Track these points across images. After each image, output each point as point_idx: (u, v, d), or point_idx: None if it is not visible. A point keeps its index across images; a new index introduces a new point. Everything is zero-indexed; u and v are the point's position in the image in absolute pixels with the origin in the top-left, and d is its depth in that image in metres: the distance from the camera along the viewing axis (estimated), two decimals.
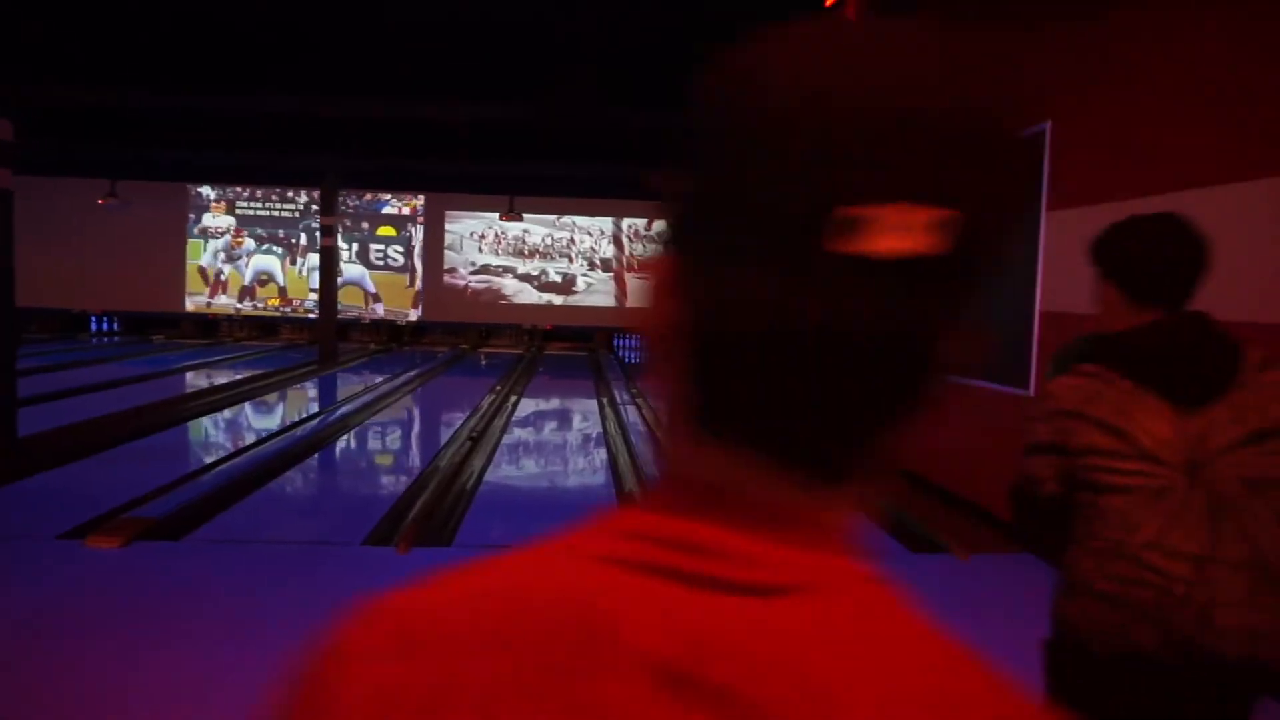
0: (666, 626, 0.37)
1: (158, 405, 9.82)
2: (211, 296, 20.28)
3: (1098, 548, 1.66)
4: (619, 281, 21.83)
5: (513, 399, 11.54)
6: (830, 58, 0.37)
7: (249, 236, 20.60)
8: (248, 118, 11.46)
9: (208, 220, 20.35)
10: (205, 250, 20.30)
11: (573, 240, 21.71)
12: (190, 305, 20.27)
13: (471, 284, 21.30)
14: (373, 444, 8.93)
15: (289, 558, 4.69)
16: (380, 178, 19.35)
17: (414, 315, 21.22)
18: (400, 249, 21.39)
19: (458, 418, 9.92)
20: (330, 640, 0.42)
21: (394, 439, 9.34)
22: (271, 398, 11.54)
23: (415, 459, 7.72)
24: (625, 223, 21.75)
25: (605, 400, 11.72)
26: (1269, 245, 3.48)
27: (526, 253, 21.59)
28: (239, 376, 12.89)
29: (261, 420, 10.07)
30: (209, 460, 7.34)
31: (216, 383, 12.36)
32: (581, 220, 21.64)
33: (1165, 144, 4.14)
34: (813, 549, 0.40)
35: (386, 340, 20.73)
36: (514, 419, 10.09)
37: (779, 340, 0.37)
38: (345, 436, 8.86)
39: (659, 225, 0.45)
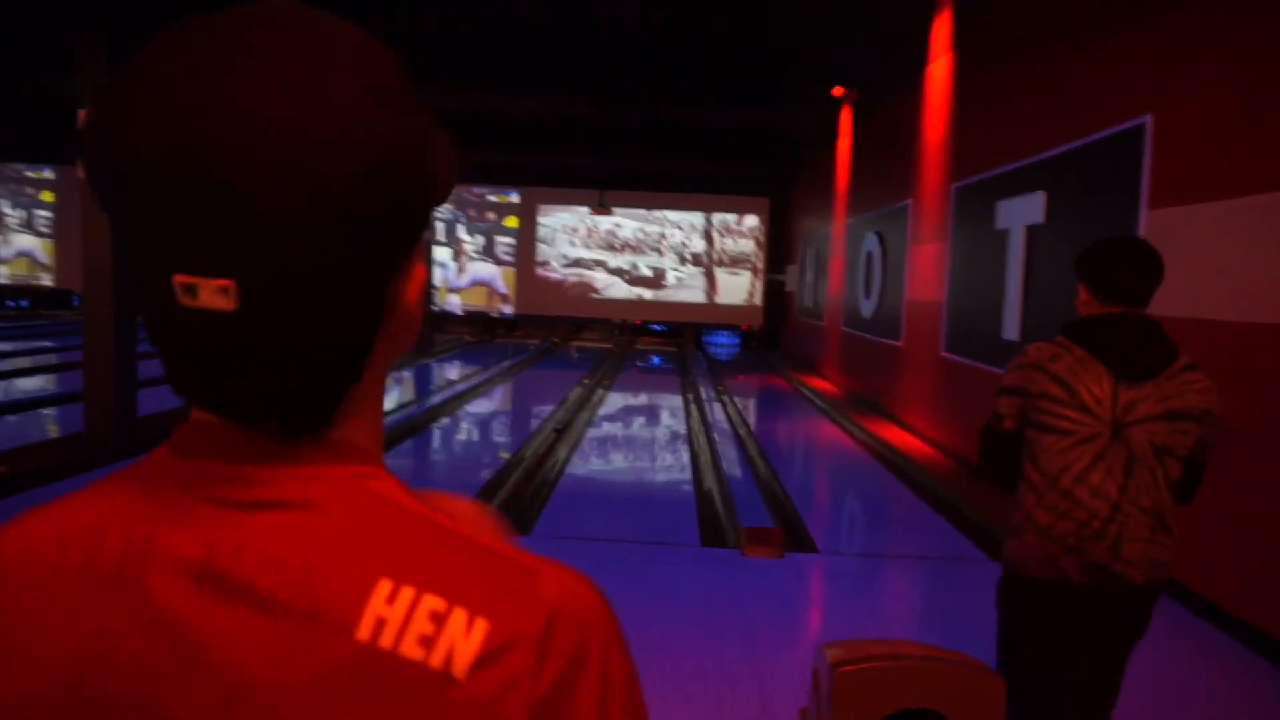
0: (201, 538, 0.49)
1: None
2: None
3: (1037, 482, 2.15)
4: (709, 276, 21.77)
5: (599, 392, 11.68)
6: (138, 109, 0.44)
7: None
8: None
9: None
10: None
11: (663, 235, 21.76)
12: None
13: (565, 278, 21.61)
14: (462, 433, 9.18)
15: None
16: (476, 171, 19.79)
17: (507, 309, 21.68)
18: (511, 241, 21.87)
19: (545, 410, 10.10)
20: None
21: (482, 429, 9.58)
22: None
23: (501, 448, 7.91)
24: (715, 217, 21.67)
25: (690, 396, 11.73)
26: None
27: (618, 246, 21.76)
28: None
29: None
30: None
31: None
32: (672, 215, 21.67)
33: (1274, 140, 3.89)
34: (301, 473, 0.50)
35: (480, 332, 21.24)
36: (599, 412, 10.21)
37: (167, 347, 0.49)
38: (436, 425, 9.14)
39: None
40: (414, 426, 8.78)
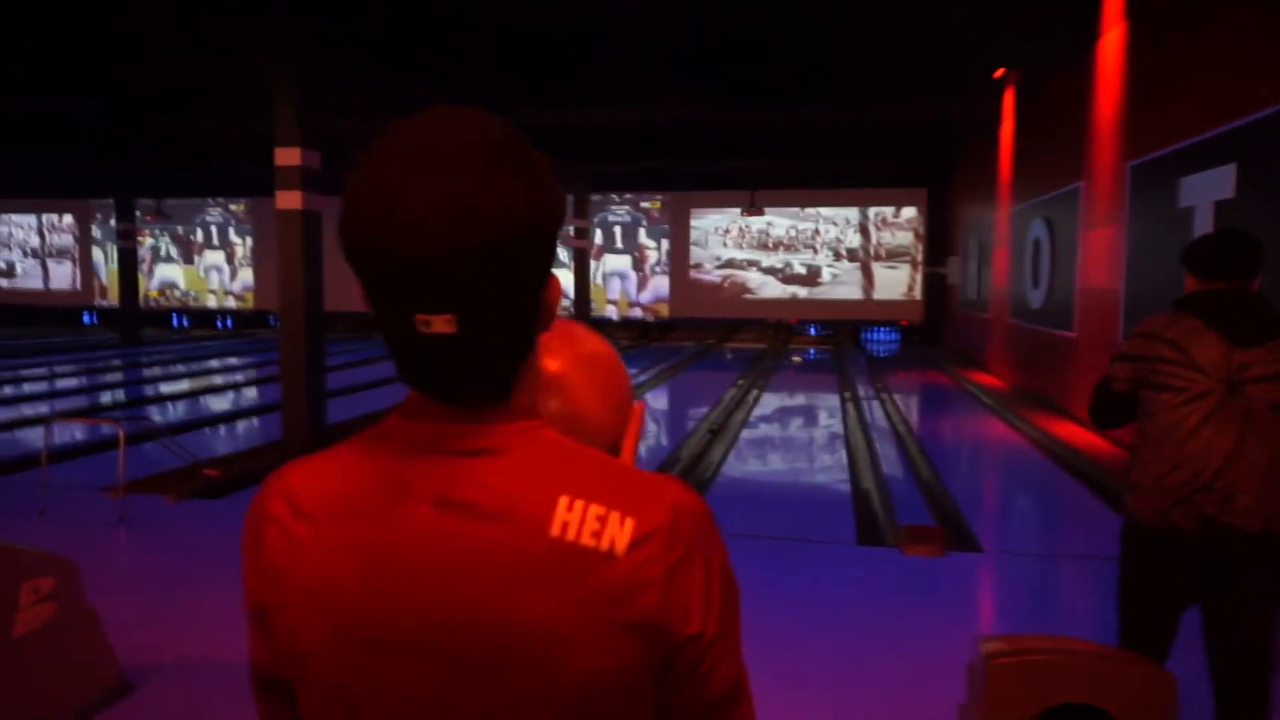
0: (437, 475, 0.72)
1: None
2: None
3: (1151, 437, 2.30)
4: (865, 272, 21.24)
5: (754, 393, 11.67)
6: (378, 212, 0.67)
7: None
8: None
9: None
10: None
11: (817, 231, 21.41)
12: None
13: (719, 279, 21.68)
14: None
15: None
16: (627, 180, 20.20)
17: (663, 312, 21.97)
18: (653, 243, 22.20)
19: (700, 411, 10.21)
20: (261, 492, 0.80)
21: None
22: None
23: (659, 449, 8.07)
24: (872, 211, 21.11)
25: (847, 395, 11.52)
26: None
27: (770, 245, 21.60)
28: None
29: None
30: None
31: None
32: (826, 211, 21.29)
33: None
34: (497, 429, 0.73)
35: (637, 336, 21.63)
36: (754, 413, 10.22)
37: (406, 356, 0.72)
38: None
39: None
40: None
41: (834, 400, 11.35)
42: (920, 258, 20.87)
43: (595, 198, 20.72)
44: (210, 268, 24.54)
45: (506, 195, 0.68)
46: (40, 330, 23.01)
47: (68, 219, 24.99)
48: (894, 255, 21.11)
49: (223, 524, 5.53)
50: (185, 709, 3.14)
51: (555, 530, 0.69)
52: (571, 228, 19.22)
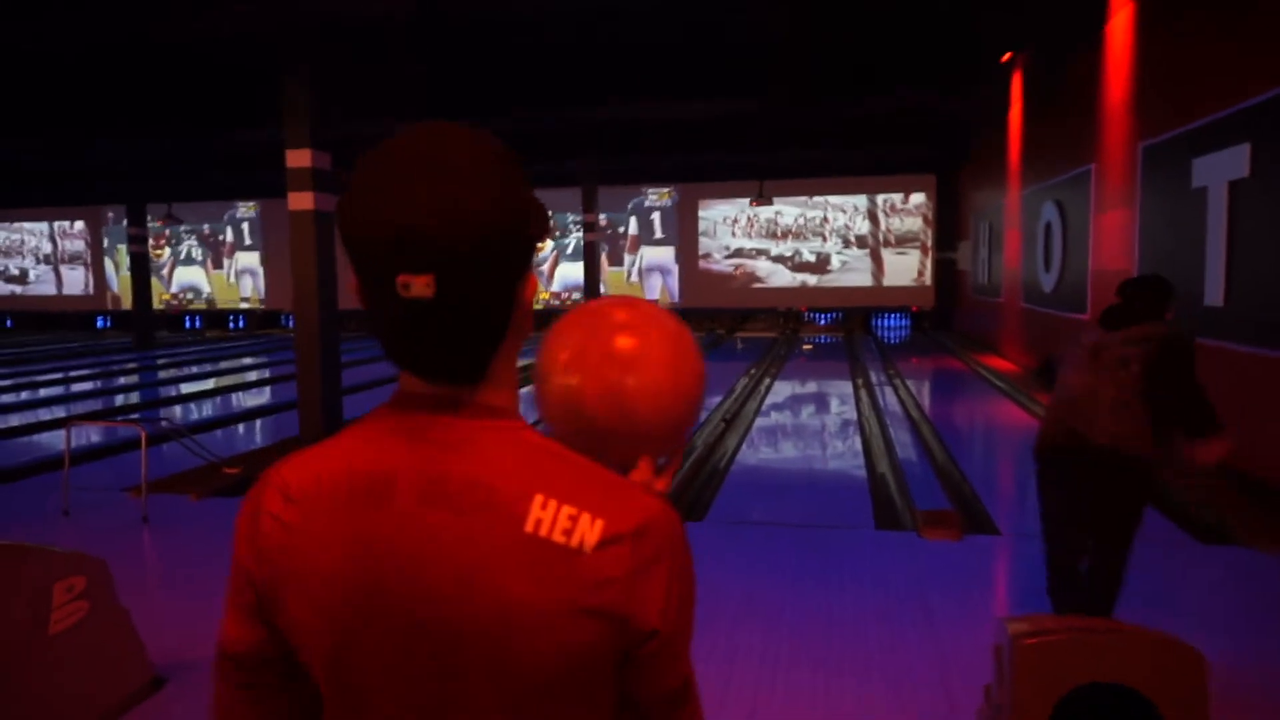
0: (421, 467, 0.78)
1: None
2: None
3: (1057, 389, 3.36)
4: (875, 258, 21.18)
5: (766, 381, 11.67)
6: (369, 196, 0.75)
7: None
8: (505, 130, 12.48)
9: None
10: None
11: (826, 218, 21.37)
12: None
13: (727, 269, 21.66)
14: None
15: None
16: (634, 174, 20.17)
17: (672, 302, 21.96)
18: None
19: (712, 400, 10.22)
20: (258, 484, 0.85)
21: None
22: None
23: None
24: (880, 198, 21.06)
25: (860, 381, 11.51)
26: None
27: (779, 234, 21.57)
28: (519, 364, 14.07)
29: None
30: None
31: None
32: (835, 198, 21.24)
33: None
34: (479, 425, 0.80)
35: None
36: (767, 401, 10.22)
37: (388, 327, 0.77)
38: None
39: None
40: None
41: (846, 387, 11.34)
42: (930, 243, 20.79)
43: (614, 187, 20.70)
44: (244, 271, 24.43)
45: (489, 190, 0.75)
46: (55, 335, 23.19)
47: (79, 225, 25.14)
48: (903, 241, 21.04)
49: None
50: None
51: (529, 526, 0.75)
52: (579, 221, 19.22)
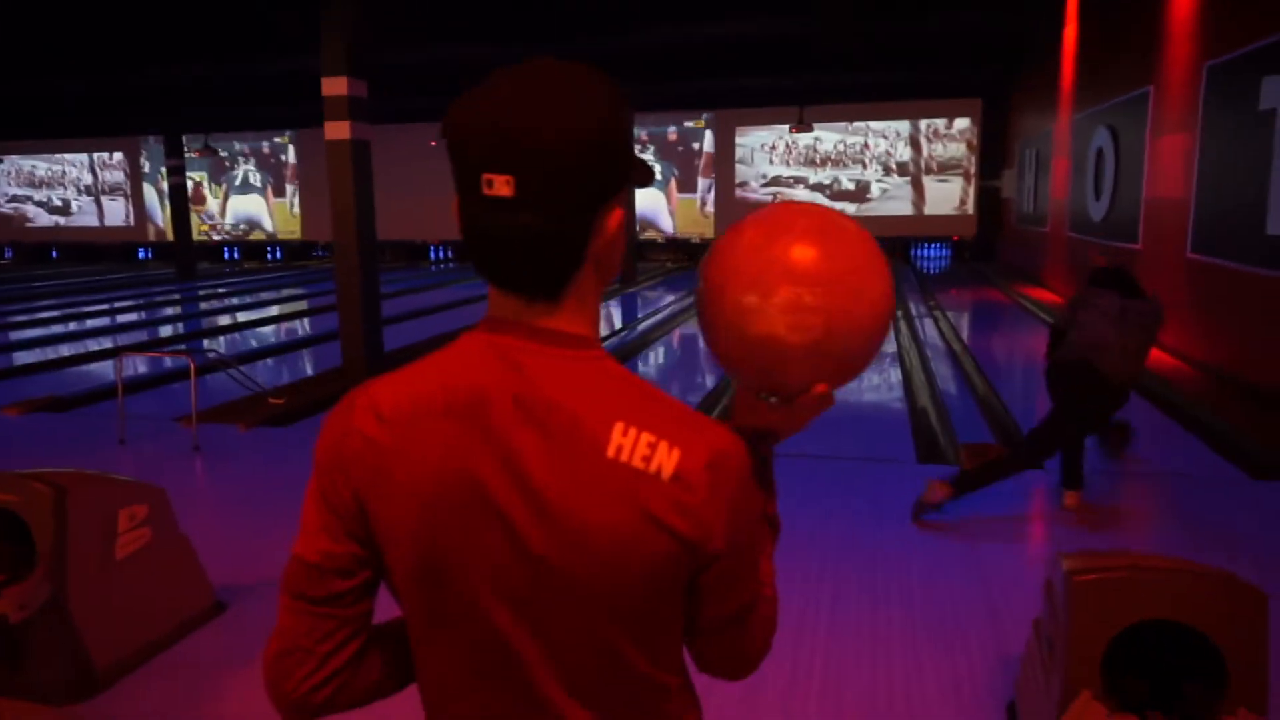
0: (513, 386, 0.82)
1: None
2: None
3: (1082, 331, 4.16)
4: (916, 186, 20.69)
5: None
6: (471, 104, 0.80)
7: None
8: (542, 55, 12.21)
9: None
10: None
11: (866, 145, 20.84)
12: None
13: (764, 197, 21.30)
14: (670, 358, 9.45)
15: None
16: (673, 98, 19.73)
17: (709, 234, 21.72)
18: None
19: None
20: (342, 406, 0.90)
21: (689, 354, 9.79)
22: None
23: (710, 373, 8.07)
24: (923, 123, 20.45)
25: (899, 313, 11.36)
26: None
27: (818, 161, 21.12)
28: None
29: None
30: None
31: None
32: (876, 124, 20.67)
33: None
34: (564, 354, 0.83)
35: (684, 259, 21.46)
36: None
37: (473, 234, 0.82)
38: (645, 351, 9.46)
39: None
40: (625, 354, 9.14)
41: None
42: (974, 170, 20.24)
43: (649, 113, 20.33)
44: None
45: (581, 113, 0.79)
46: (98, 267, 23.58)
47: (118, 156, 25.31)
48: (946, 168, 20.50)
49: (292, 450, 5.70)
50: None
51: (611, 452, 0.79)
52: None
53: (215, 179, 24.88)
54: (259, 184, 24.47)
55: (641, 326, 11.12)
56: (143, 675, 2.95)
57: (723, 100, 20.28)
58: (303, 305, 14.26)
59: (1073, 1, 12.21)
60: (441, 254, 23.45)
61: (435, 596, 0.85)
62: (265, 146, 24.20)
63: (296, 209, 24.39)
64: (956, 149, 20.38)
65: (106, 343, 10.36)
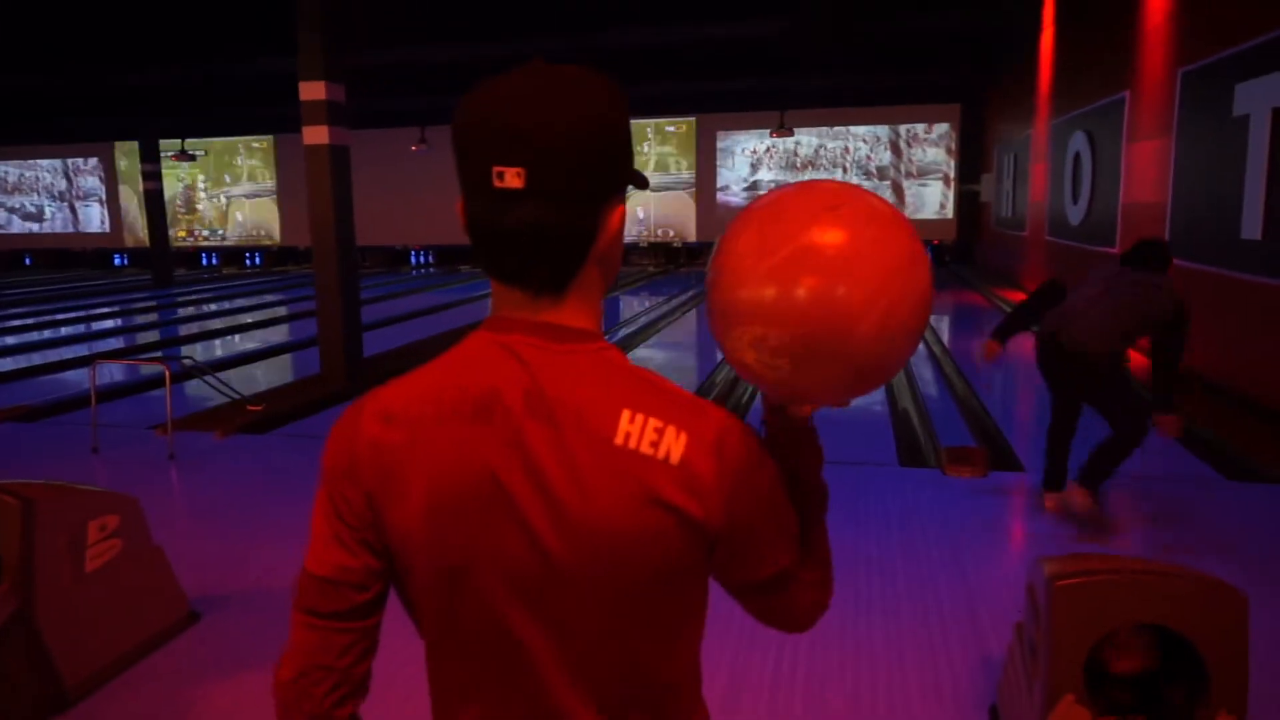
0: (521, 385, 0.82)
1: (469, 330, 11.04)
2: None
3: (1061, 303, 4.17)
4: (896, 190, 20.81)
5: None
6: (480, 100, 0.81)
7: None
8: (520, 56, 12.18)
9: None
10: None
11: (847, 149, 20.94)
12: None
13: (746, 201, 21.35)
14: (652, 364, 9.43)
15: None
16: (650, 103, 19.76)
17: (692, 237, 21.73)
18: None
19: None
20: (349, 414, 0.89)
21: (671, 358, 9.78)
22: None
23: (692, 378, 8.06)
24: (903, 128, 20.58)
25: None
26: None
27: (799, 165, 21.19)
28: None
29: None
30: None
31: None
32: (856, 129, 20.77)
33: None
34: (570, 348, 0.84)
35: (664, 262, 21.47)
36: None
37: (482, 229, 0.83)
38: (629, 356, 9.42)
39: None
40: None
41: None
42: (953, 174, 20.38)
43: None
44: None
45: (588, 111, 0.80)
46: (73, 274, 23.29)
47: (93, 161, 25.02)
48: (925, 172, 20.63)
49: (270, 457, 5.64)
50: (253, 634, 3.24)
51: (619, 439, 0.80)
52: None
53: (211, 178, 24.64)
54: (275, 187, 24.09)
55: (621, 333, 11.10)
56: (115, 688, 2.89)
57: (704, 105, 20.33)
58: (282, 311, 14.14)
59: (1049, 7, 12.32)
60: (422, 259, 23.34)
61: (450, 598, 0.85)
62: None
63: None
64: (936, 153, 20.52)
65: (81, 351, 10.22)
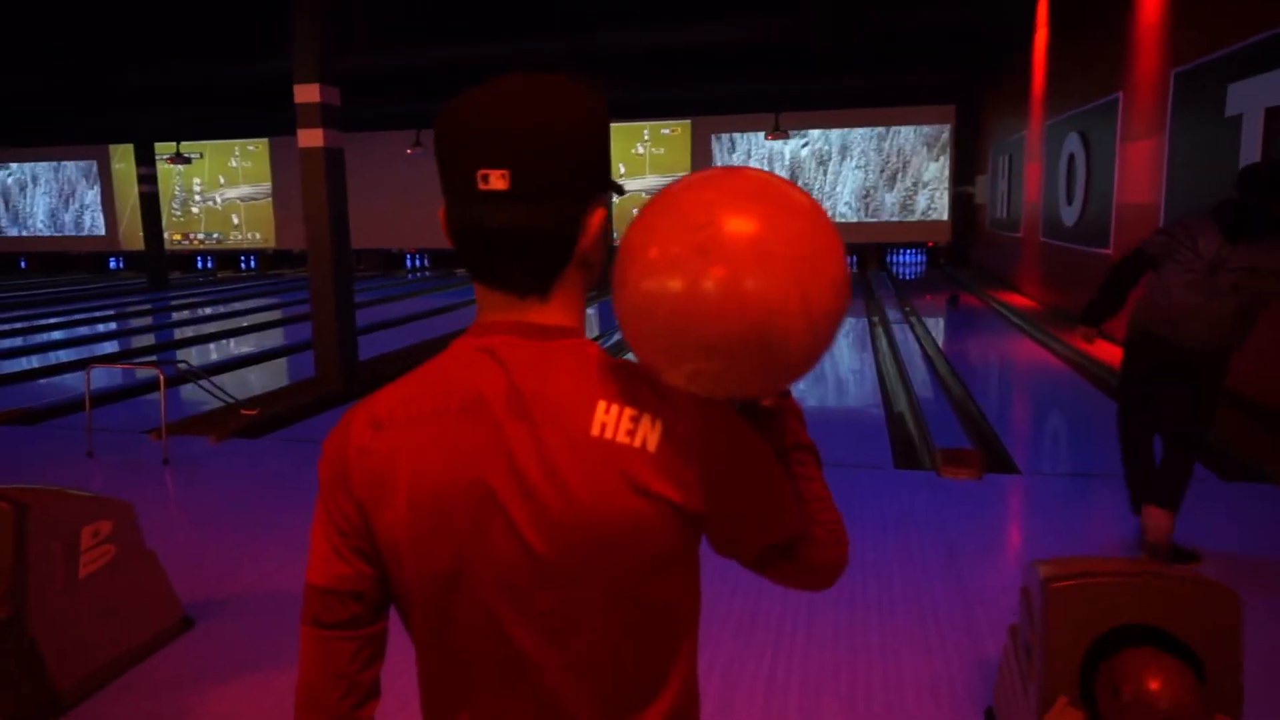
0: (503, 385, 0.83)
1: (463, 333, 11.02)
2: None
3: (1152, 290, 3.55)
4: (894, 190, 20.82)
5: None
6: (464, 107, 0.82)
7: None
8: (514, 58, 12.17)
9: None
10: None
11: (843, 150, 20.96)
12: None
13: None
14: None
15: None
16: (645, 107, 19.76)
17: None
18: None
19: None
20: (341, 423, 0.90)
21: None
22: None
23: None
24: (899, 129, 20.60)
25: (875, 319, 11.42)
26: None
27: (794, 167, 21.21)
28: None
29: None
30: None
31: None
32: (852, 131, 20.79)
33: None
34: (548, 345, 0.85)
35: None
36: None
37: (466, 232, 0.84)
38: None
39: None
40: None
41: (862, 324, 11.25)
42: (947, 176, 20.41)
43: (622, 121, 20.33)
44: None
45: (570, 116, 0.82)
46: (69, 277, 23.23)
47: (89, 164, 24.96)
48: (920, 175, 20.65)
49: (265, 462, 5.62)
50: (248, 640, 3.23)
51: (595, 430, 0.81)
52: None
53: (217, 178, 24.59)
54: (266, 190, 23.96)
55: (617, 338, 11.09)
56: (109, 694, 2.88)
57: (698, 108, 20.34)
58: (277, 315, 14.12)
59: (1043, 8, 12.35)
60: (417, 262, 23.31)
61: (442, 603, 0.86)
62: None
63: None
64: (930, 155, 20.55)
65: (76, 355, 10.19)
